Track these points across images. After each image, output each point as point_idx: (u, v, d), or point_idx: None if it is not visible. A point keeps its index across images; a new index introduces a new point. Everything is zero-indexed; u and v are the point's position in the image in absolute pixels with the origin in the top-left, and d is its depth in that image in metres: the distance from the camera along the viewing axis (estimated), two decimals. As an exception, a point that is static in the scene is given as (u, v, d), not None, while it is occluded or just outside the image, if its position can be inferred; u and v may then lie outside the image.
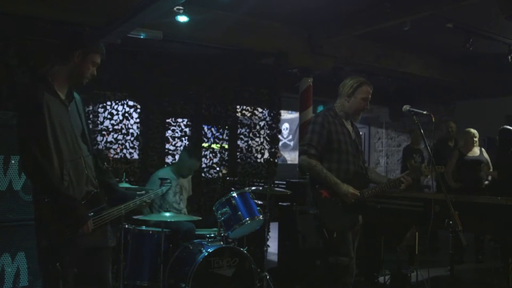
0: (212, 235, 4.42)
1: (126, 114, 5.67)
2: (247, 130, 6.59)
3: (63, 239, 2.41)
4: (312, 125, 3.55)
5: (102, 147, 5.44)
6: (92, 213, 2.54)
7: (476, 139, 6.41)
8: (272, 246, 5.45)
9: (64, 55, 2.57)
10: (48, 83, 2.51)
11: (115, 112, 5.59)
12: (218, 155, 6.34)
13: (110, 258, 2.77)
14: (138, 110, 5.84)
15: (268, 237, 4.69)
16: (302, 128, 6.90)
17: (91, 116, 5.37)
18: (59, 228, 2.41)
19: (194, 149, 5.40)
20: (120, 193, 2.88)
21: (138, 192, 2.95)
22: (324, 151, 3.49)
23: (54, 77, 2.55)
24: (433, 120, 3.20)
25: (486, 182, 6.41)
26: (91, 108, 5.38)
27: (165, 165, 5.77)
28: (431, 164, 3.34)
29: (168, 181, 3.33)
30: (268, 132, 6.57)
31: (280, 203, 5.53)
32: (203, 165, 6.22)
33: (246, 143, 6.56)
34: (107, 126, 5.54)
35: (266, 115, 6.62)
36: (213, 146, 6.34)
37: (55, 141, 2.45)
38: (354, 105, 3.59)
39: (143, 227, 4.38)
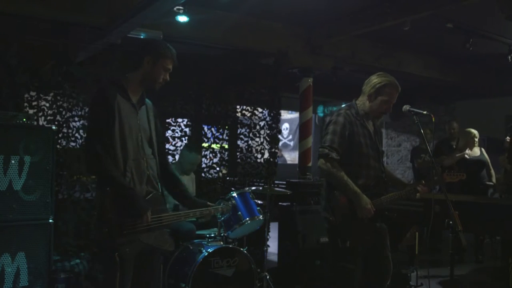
0: (212, 235, 4.42)
1: (126, 114, 5.67)
2: (247, 130, 6.59)
3: (123, 230, 2.50)
4: (333, 126, 3.25)
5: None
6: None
7: (476, 140, 6.40)
8: (272, 246, 5.45)
9: (136, 62, 2.70)
10: (122, 86, 2.67)
11: (115, 112, 5.58)
12: (218, 155, 6.34)
13: (160, 261, 2.93)
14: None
15: (268, 237, 4.69)
16: (302, 128, 6.90)
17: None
18: (121, 219, 2.51)
19: (193, 144, 5.39)
20: (191, 200, 3.01)
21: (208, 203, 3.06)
22: (344, 153, 3.22)
23: (129, 82, 2.71)
24: (433, 120, 3.19)
25: (491, 183, 6.42)
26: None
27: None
28: (430, 164, 3.32)
29: (229, 203, 3.59)
30: (268, 132, 6.57)
31: (280, 203, 5.53)
32: (203, 165, 6.22)
33: (246, 143, 6.57)
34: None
35: (266, 115, 6.63)
36: (213, 146, 6.34)
37: (122, 139, 2.59)
38: (374, 106, 3.31)
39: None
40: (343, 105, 3.56)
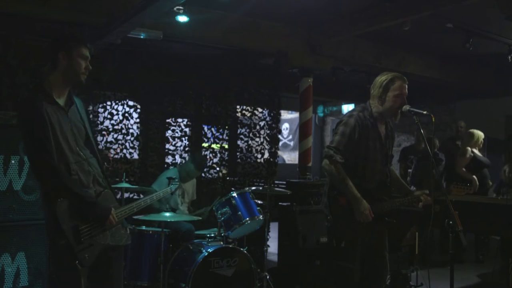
0: (212, 235, 4.42)
1: (126, 114, 5.67)
2: (247, 130, 6.59)
3: (81, 237, 2.45)
4: (343, 127, 3.24)
5: (102, 147, 5.45)
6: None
7: (480, 141, 6.37)
8: (272, 246, 5.45)
9: (52, 62, 2.60)
10: (45, 92, 2.55)
11: (115, 112, 5.59)
12: (218, 155, 6.34)
13: (122, 257, 2.84)
14: (138, 110, 5.85)
15: (268, 237, 4.69)
16: (302, 128, 6.90)
17: (91, 116, 5.37)
18: (76, 226, 2.45)
19: (197, 156, 5.33)
20: None
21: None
22: (351, 156, 3.22)
23: (52, 85, 2.58)
24: (433, 120, 3.19)
25: (491, 184, 6.41)
26: (91, 108, 5.39)
27: (165, 165, 5.78)
28: (431, 166, 3.31)
29: (176, 180, 3.50)
30: (268, 132, 6.58)
31: (280, 203, 5.53)
32: (203, 165, 6.21)
33: (246, 143, 6.57)
34: (107, 126, 5.55)
35: (266, 115, 6.63)
36: (213, 146, 6.34)
37: (57, 147, 2.49)
38: (388, 105, 3.26)
39: (143, 227, 4.38)
40: (345, 105, 3.56)
